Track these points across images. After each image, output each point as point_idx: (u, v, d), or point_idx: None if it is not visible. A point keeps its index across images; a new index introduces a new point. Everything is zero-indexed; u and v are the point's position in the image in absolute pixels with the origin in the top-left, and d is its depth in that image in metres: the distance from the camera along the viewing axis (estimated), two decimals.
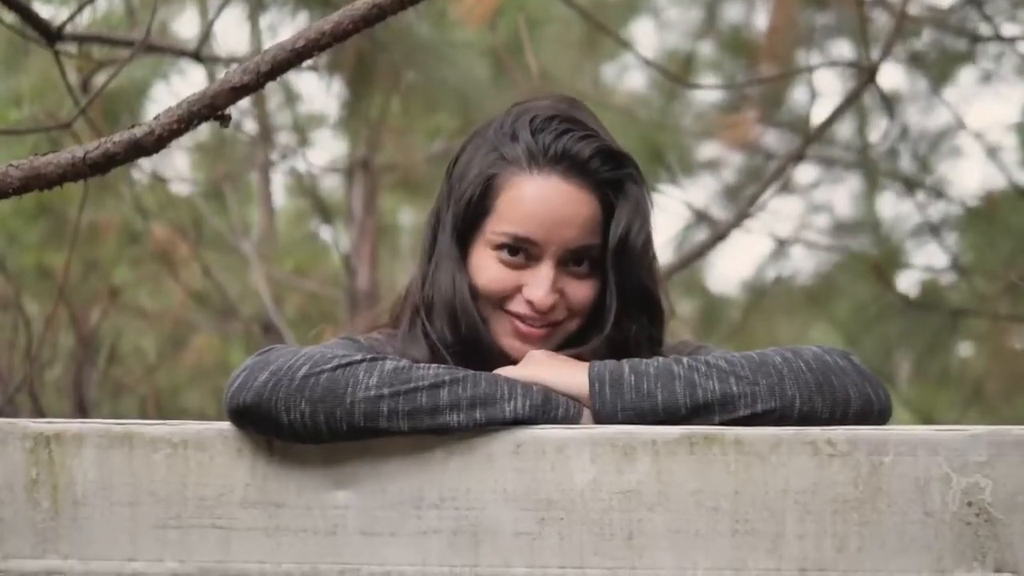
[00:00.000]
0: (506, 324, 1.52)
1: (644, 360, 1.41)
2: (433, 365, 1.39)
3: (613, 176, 1.51)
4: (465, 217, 1.53)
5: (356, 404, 1.34)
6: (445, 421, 1.35)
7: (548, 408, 1.38)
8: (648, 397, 1.37)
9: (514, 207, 1.50)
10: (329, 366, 1.35)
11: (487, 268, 1.52)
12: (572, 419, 1.38)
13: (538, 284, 1.50)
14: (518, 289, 1.51)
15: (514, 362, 1.48)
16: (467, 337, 1.52)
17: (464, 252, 1.54)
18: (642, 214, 1.52)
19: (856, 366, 1.41)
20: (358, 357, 1.37)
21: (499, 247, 1.51)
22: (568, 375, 1.41)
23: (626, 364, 1.41)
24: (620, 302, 1.52)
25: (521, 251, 1.51)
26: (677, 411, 1.37)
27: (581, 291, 1.52)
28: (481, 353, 1.49)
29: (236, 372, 1.39)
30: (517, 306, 1.51)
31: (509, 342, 1.52)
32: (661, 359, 1.42)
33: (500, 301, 1.52)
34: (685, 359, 1.40)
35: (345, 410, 1.34)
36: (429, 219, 1.61)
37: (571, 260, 1.51)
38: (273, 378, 1.35)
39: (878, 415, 1.40)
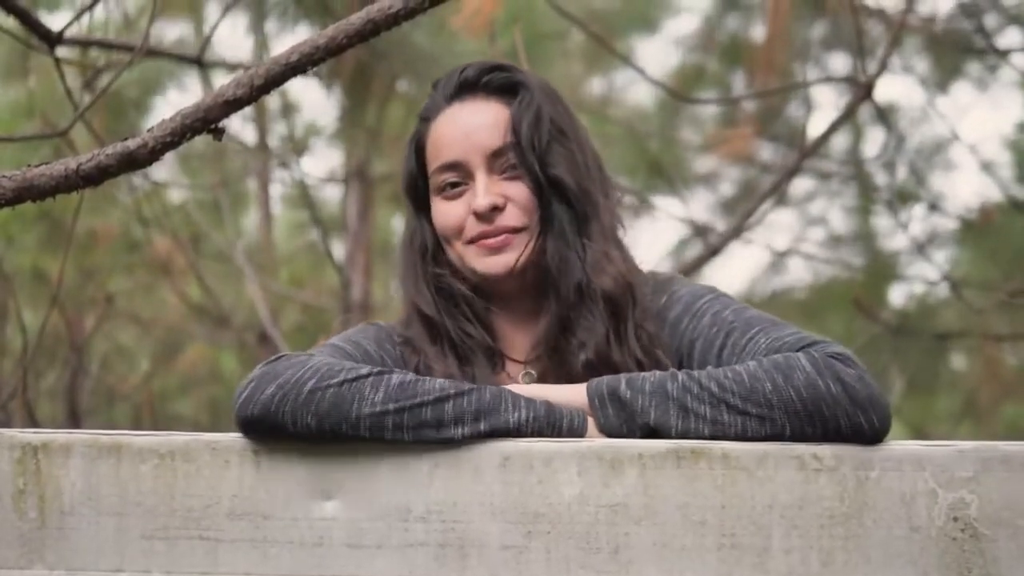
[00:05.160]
0: (474, 249, 1.59)
1: (642, 375, 1.42)
2: (439, 380, 1.40)
3: (505, 82, 1.62)
4: (412, 186, 1.65)
5: (362, 419, 1.35)
6: (450, 435, 1.36)
7: (553, 419, 1.39)
8: (642, 414, 1.38)
9: (435, 146, 1.62)
10: (335, 380, 1.37)
11: (440, 213, 1.61)
12: (578, 430, 1.39)
13: (475, 194, 1.58)
14: (468, 214, 1.59)
15: (498, 290, 1.59)
16: (424, 303, 1.61)
17: (429, 218, 1.63)
18: (532, 107, 1.60)
19: (850, 389, 1.35)
20: (364, 371, 1.38)
21: (442, 189, 1.61)
22: (568, 392, 1.43)
23: (623, 379, 1.42)
24: (540, 193, 1.58)
25: (459, 182, 1.60)
26: (668, 432, 1.37)
27: (522, 190, 1.59)
28: (451, 313, 1.59)
29: (244, 383, 1.40)
30: (472, 229, 1.58)
31: (482, 263, 1.58)
32: (659, 372, 1.42)
33: (460, 233, 1.59)
34: (680, 376, 1.39)
35: (351, 424, 1.35)
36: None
37: (503, 167, 1.59)
38: (280, 392, 1.37)
39: (869, 442, 1.36)
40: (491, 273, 1.58)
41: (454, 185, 1.60)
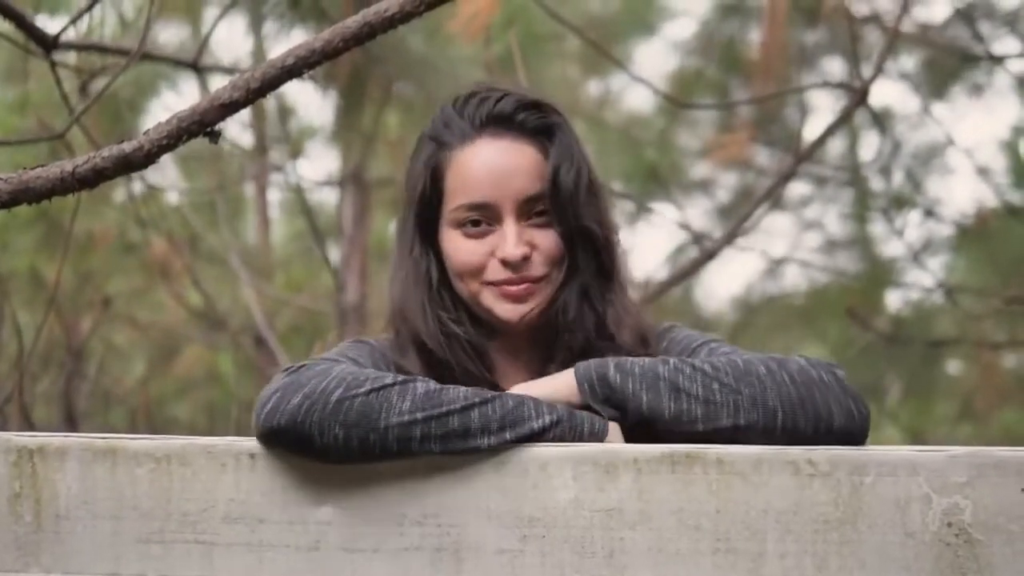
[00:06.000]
0: (494, 292, 1.55)
1: (630, 359, 1.43)
2: (462, 388, 1.40)
3: (540, 123, 1.57)
4: (422, 211, 1.59)
5: (390, 429, 1.35)
6: (476, 444, 1.36)
7: (574, 424, 1.39)
8: (633, 398, 1.39)
9: (461, 180, 1.56)
10: (363, 390, 1.36)
11: (456, 248, 1.56)
12: (599, 434, 1.39)
13: (506, 241, 1.54)
14: (491, 255, 1.55)
15: (512, 329, 1.55)
16: (429, 338, 1.56)
17: (434, 245, 1.59)
18: (570, 155, 1.56)
19: (840, 381, 1.41)
20: (389, 380, 1.38)
21: (461, 224, 1.56)
22: (556, 382, 1.44)
23: (611, 363, 1.42)
24: (568, 243, 1.56)
25: (482, 220, 1.55)
26: (661, 415, 1.38)
27: (549, 239, 1.56)
28: (454, 351, 1.55)
29: (267, 393, 1.38)
30: (495, 273, 1.55)
31: (501, 308, 1.55)
32: (648, 358, 1.43)
33: (479, 274, 1.55)
34: (672, 360, 1.41)
35: (379, 435, 1.35)
36: (396, 233, 1.65)
37: (531, 212, 1.55)
38: (307, 401, 1.35)
39: (860, 434, 1.39)
40: (508, 319, 1.55)
41: (476, 223, 1.55)
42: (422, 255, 1.59)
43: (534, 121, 1.57)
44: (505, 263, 1.54)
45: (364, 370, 1.41)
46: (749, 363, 1.40)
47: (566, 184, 1.54)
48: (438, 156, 1.58)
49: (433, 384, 1.39)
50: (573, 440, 1.38)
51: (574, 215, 1.55)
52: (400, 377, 1.39)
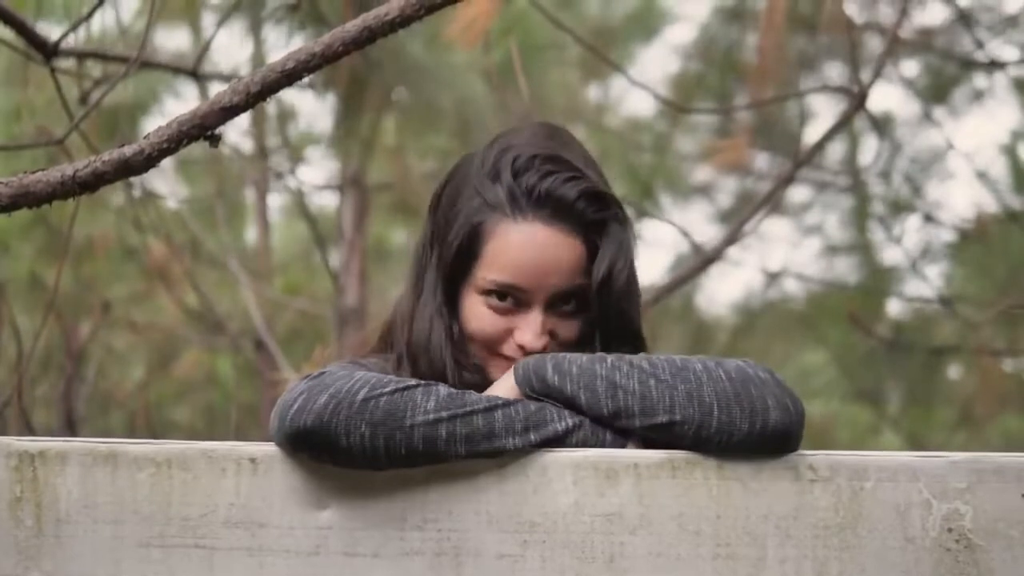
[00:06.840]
0: (501, 365, 1.53)
1: (568, 357, 1.43)
2: (481, 394, 1.40)
3: (598, 217, 1.52)
4: (453, 263, 1.54)
5: (416, 428, 1.35)
6: (502, 444, 1.36)
7: (597, 428, 1.39)
8: (573, 398, 1.39)
9: (501, 255, 1.51)
10: (388, 389, 1.36)
11: (477, 314, 1.53)
12: (622, 439, 1.40)
13: (529, 328, 1.51)
14: (509, 333, 1.52)
15: None
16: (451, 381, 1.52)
17: (453, 294, 1.56)
18: (624, 253, 1.53)
19: (776, 379, 1.39)
20: (412, 382, 1.38)
21: (488, 292, 1.52)
22: (501, 386, 1.44)
23: (550, 365, 1.42)
24: (603, 337, 1.54)
25: (510, 297, 1.52)
26: (600, 412, 1.38)
27: (570, 330, 1.54)
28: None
29: (291, 396, 1.38)
30: (509, 350, 1.53)
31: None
32: (586, 355, 1.43)
33: (492, 345, 1.53)
34: (610, 357, 1.41)
35: (405, 433, 1.34)
36: (416, 253, 1.62)
37: (559, 301, 1.53)
38: (333, 400, 1.35)
39: (796, 430, 1.37)
40: None
41: (502, 297, 1.51)
42: (445, 305, 1.55)
43: (592, 215, 1.51)
44: (522, 349, 1.51)
45: (387, 375, 1.41)
46: (686, 360, 1.40)
47: (618, 285, 1.51)
48: (482, 215, 1.52)
49: (453, 388, 1.39)
50: (596, 445, 1.38)
51: (617, 315, 1.53)
52: (421, 381, 1.39)
